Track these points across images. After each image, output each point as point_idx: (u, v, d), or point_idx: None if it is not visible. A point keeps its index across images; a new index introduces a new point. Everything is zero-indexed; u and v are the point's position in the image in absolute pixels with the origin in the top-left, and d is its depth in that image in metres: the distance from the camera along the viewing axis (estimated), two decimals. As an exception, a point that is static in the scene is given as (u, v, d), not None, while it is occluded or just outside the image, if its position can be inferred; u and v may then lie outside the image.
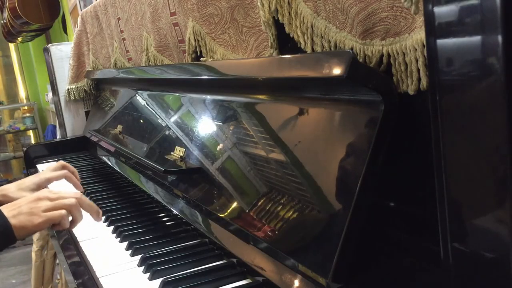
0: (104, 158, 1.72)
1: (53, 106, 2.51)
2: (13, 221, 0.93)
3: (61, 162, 1.36)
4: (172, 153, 1.10)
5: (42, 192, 1.02)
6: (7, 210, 0.95)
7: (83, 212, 1.02)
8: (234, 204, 0.84)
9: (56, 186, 1.44)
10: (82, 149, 2.09)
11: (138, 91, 1.56)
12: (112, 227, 1.08)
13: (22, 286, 3.19)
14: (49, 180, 1.32)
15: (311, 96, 0.75)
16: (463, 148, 0.39)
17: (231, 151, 0.90)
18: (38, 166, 1.95)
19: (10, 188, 1.24)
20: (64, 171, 1.34)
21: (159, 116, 1.30)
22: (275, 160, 0.77)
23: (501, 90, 0.35)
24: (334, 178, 0.65)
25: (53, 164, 1.46)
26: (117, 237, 1.02)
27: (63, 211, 0.96)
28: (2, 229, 0.91)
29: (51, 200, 0.98)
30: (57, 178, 1.34)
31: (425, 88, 0.59)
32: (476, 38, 0.36)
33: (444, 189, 0.41)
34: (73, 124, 2.24)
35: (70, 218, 0.98)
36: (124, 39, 1.70)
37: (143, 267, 0.85)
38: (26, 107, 5.74)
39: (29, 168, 2.02)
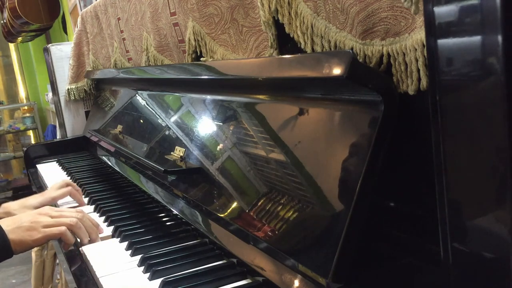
0: (104, 158, 1.72)
1: (53, 106, 2.51)
2: (11, 236, 0.92)
3: (66, 180, 1.35)
4: (172, 153, 1.10)
5: (44, 209, 1.02)
6: (6, 224, 0.94)
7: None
8: (234, 204, 0.84)
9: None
10: (82, 149, 2.09)
11: (138, 91, 1.56)
12: (112, 227, 1.08)
13: (22, 286, 3.19)
14: (54, 199, 1.29)
15: (311, 96, 0.75)
16: (463, 148, 0.39)
17: (231, 151, 0.90)
18: (38, 166, 1.95)
19: (13, 206, 1.22)
20: (69, 188, 1.31)
21: (159, 116, 1.30)
22: (275, 160, 0.77)
23: (501, 90, 0.35)
24: (334, 178, 0.65)
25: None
26: (117, 237, 1.02)
27: (63, 228, 0.96)
28: (0, 243, 0.91)
29: (52, 217, 0.98)
30: (62, 196, 1.31)
31: (425, 88, 0.59)
32: (476, 38, 0.36)
33: (444, 189, 0.41)
34: (73, 124, 2.24)
35: None
36: (124, 39, 1.70)
37: (143, 267, 0.85)
38: (26, 107, 5.74)
39: (29, 168, 2.02)
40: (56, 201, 1.31)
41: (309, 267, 0.64)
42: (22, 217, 0.97)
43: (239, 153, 0.87)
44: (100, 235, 1.04)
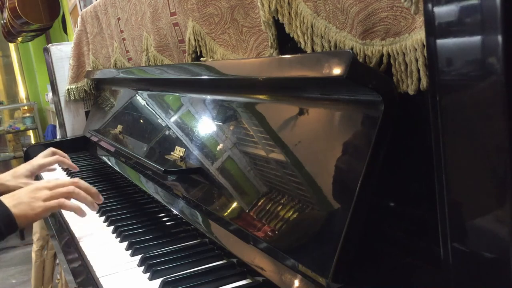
0: (104, 158, 1.72)
1: (53, 106, 2.51)
2: (14, 210, 0.96)
3: (51, 148, 1.37)
4: (172, 153, 1.10)
5: (41, 182, 1.05)
6: (7, 200, 0.97)
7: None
8: (234, 204, 0.84)
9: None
10: (82, 149, 2.09)
11: (138, 91, 1.56)
12: (112, 227, 1.08)
13: (22, 286, 3.19)
14: (41, 166, 1.33)
15: (311, 96, 0.75)
16: (463, 148, 0.39)
17: (231, 151, 0.90)
18: (38, 166, 1.95)
19: (5, 177, 1.27)
20: (56, 157, 1.35)
21: (159, 116, 1.30)
22: (275, 160, 0.77)
23: (501, 90, 0.35)
24: (334, 178, 0.65)
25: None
26: (117, 237, 1.02)
27: (62, 200, 1.00)
28: (5, 218, 0.94)
29: (49, 189, 1.01)
30: (50, 164, 1.35)
31: (425, 88, 0.59)
32: (476, 38, 0.36)
33: (444, 189, 0.41)
34: (73, 124, 2.24)
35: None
36: (124, 39, 1.70)
37: (143, 267, 0.85)
38: (26, 107, 5.74)
39: (29, 168, 2.01)
40: (44, 168, 1.35)
41: (309, 267, 0.64)
42: (21, 193, 1.01)
43: (239, 153, 0.87)
44: (100, 236, 1.04)
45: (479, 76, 0.37)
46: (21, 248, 3.73)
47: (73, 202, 1.03)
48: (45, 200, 0.99)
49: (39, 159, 1.35)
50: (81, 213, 1.03)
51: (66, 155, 1.37)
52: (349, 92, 0.67)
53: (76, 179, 1.08)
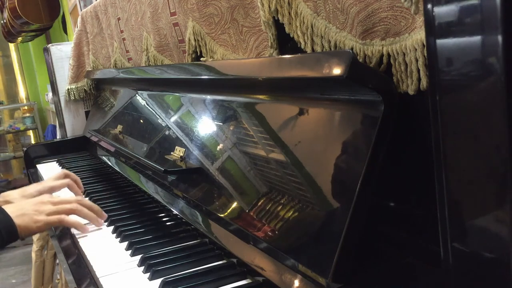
0: (104, 158, 1.72)
1: (53, 106, 2.51)
2: (17, 221, 0.98)
3: (64, 171, 1.36)
4: (172, 153, 1.10)
5: (45, 197, 1.07)
6: (10, 210, 0.99)
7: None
8: (234, 204, 0.84)
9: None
10: (82, 149, 2.09)
11: (138, 91, 1.56)
12: (112, 227, 1.08)
13: (22, 286, 3.19)
14: (52, 189, 1.31)
15: (311, 96, 0.75)
16: (463, 148, 0.39)
17: (231, 151, 0.90)
18: (38, 166, 1.95)
19: (13, 195, 1.25)
20: (67, 180, 1.32)
21: (159, 116, 1.30)
22: (275, 160, 0.77)
23: (501, 90, 0.35)
24: (334, 178, 0.65)
25: (55, 171, 1.45)
26: (117, 237, 1.02)
27: (63, 216, 1.02)
28: (7, 227, 0.95)
29: (53, 204, 1.03)
30: (60, 187, 1.33)
31: (425, 88, 0.59)
32: (476, 38, 0.36)
33: (444, 189, 0.41)
34: (73, 124, 2.24)
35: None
36: (124, 39, 1.70)
37: (143, 267, 0.85)
38: (26, 107, 5.74)
39: (29, 168, 2.02)
40: (54, 191, 1.33)
41: (309, 267, 0.64)
42: (25, 205, 1.03)
43: (239, 153, 0.87)
44: (100, 236, 1.04)
45: (479, 76, 0.37)
46: (21, 248, 3.73)
47: (75, 218, 1.05)
48: (48, 214, 1.01)
49: (51, 181, 1.33)
50: (82, 229, 1.05)
51: (78, 178, 1.36)
52: (349, 92, 0.67)
53: (80, 197, 1.11)
